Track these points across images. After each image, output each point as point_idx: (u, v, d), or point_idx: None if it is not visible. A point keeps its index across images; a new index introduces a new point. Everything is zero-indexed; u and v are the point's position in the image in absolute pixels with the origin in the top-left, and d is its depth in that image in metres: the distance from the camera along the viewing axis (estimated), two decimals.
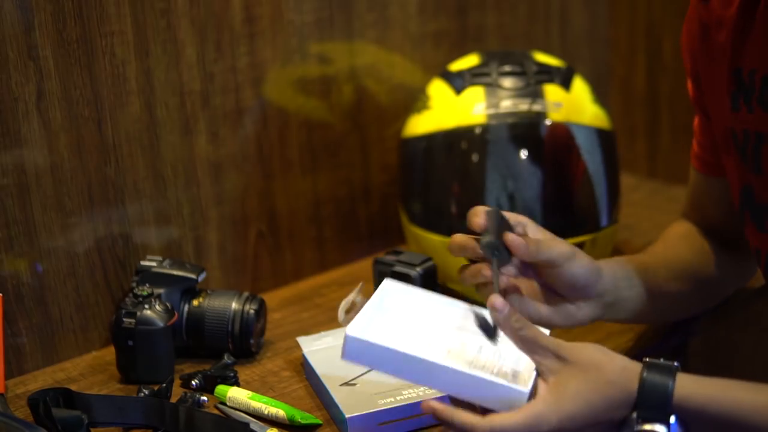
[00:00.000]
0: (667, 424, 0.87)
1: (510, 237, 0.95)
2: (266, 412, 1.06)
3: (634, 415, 0.87)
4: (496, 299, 0.90)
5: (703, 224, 1.20)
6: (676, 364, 0.89)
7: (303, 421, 1.04)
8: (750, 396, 0.89)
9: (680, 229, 1.21)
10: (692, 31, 1.09)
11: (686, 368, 1.26)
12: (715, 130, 1.08)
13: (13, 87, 1.15)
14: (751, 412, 0.88)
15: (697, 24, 1.07)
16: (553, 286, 1.02)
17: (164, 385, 1.10)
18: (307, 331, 1.27)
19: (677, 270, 1.14)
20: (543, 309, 1.01)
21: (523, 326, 0.90)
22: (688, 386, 0.88)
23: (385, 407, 1.05)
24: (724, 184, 1.13)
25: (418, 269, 1.27)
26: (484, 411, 0.89)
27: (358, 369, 1.08)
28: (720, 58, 1.03)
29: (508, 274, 1.00)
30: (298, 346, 1.22)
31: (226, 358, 1.17)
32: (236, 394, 1.10)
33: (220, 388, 1.12)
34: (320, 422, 1.05)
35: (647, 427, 0.87)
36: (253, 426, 1.05)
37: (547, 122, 1.31)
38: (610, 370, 0.88)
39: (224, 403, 1.10)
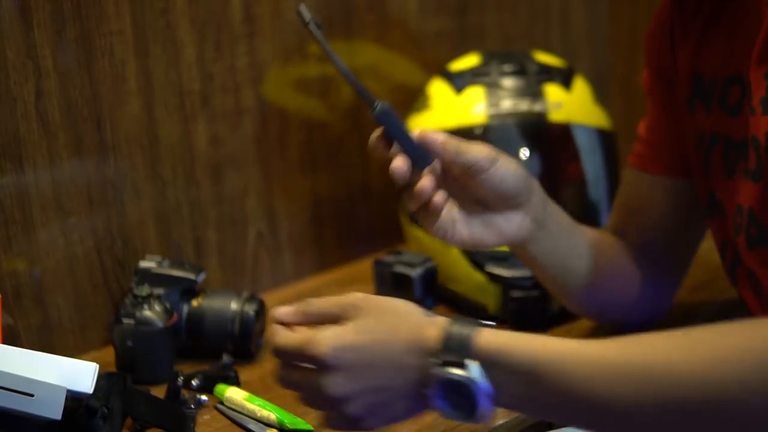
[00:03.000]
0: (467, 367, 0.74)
1: (425, 132, 0.92)
2: (259, 415, 1.06)
3: (433, 359, 0.76)
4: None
5: (635, 236, 1.15)
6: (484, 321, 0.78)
7: (291, 426, 1.04)
8: (563, 345, 0.75)
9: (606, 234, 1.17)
10: (662, 37, 1.09)
11: None
12: (687, 130, 1.07)
13: (12, 86, 1.14)
14: (556, 358, 0.74)
15: (667, 34, 1.08)
16: (480, 195, 0.97)
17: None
18: None
19: (596, 253, 1.10)
20: (464, 230, 0.96)
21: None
22: (491, 332, 0.77)
23: None
24: (674, 184, 1.12)
25: (418, 269, 1.27)
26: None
27: None
28: (680, 64, 1.05)
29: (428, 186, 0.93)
30: None
31: (225, 358, 1.17)
32: (233, 394, 1.10)
33: (220, 388, 1.11)
34: (311, 428, 1.04)
35: (454, 371, 0.75)
36: (252, 427, 1.05)
37: (548, 122, 1.31)
38: (406, 312, 0.81)
39: (223, 403, 1.10)
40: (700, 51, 1.02)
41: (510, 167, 0.96)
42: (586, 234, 1.11)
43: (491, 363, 0.75)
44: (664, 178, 1.13)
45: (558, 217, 1.06)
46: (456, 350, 0.75)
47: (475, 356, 0.75)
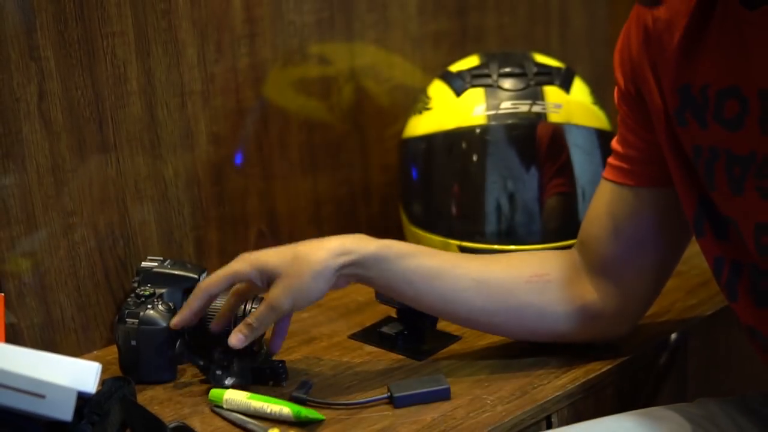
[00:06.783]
0: None
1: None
2: (269, 411, 1.06)
3: None
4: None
5: (607, 249, 1.12)
6: None
7: (310, 416, 1.04)
8: None
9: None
10: (633, 51, 1.06)
11: (686, 368, 1.27)
12: (660, 141, 1.04)
13: (15, 87, 1.15)
14: None
15: (640, 44, 1.04)
16: None
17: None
18: (307, 332, 1.27)
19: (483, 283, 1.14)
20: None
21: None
22: None
23: None
24: (655, 194, 1.09)
25: None
26: None
27: None
28: (662, 76, 1.02)
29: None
30: (298, 346, 1.22)
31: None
32: (234, 395, 1.09)
33: (215, 392, 1.11)
34: (323, 417, 1.05)
35: None
36: (251, 426, 1.05)
37: (547, 123, 1.32)
38: None
39: (220, 406, 1.09)
40: (686, 62, 0.99)
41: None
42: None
43: None
44: (644, 189, 1.09)
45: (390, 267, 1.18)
46: None
47: None
